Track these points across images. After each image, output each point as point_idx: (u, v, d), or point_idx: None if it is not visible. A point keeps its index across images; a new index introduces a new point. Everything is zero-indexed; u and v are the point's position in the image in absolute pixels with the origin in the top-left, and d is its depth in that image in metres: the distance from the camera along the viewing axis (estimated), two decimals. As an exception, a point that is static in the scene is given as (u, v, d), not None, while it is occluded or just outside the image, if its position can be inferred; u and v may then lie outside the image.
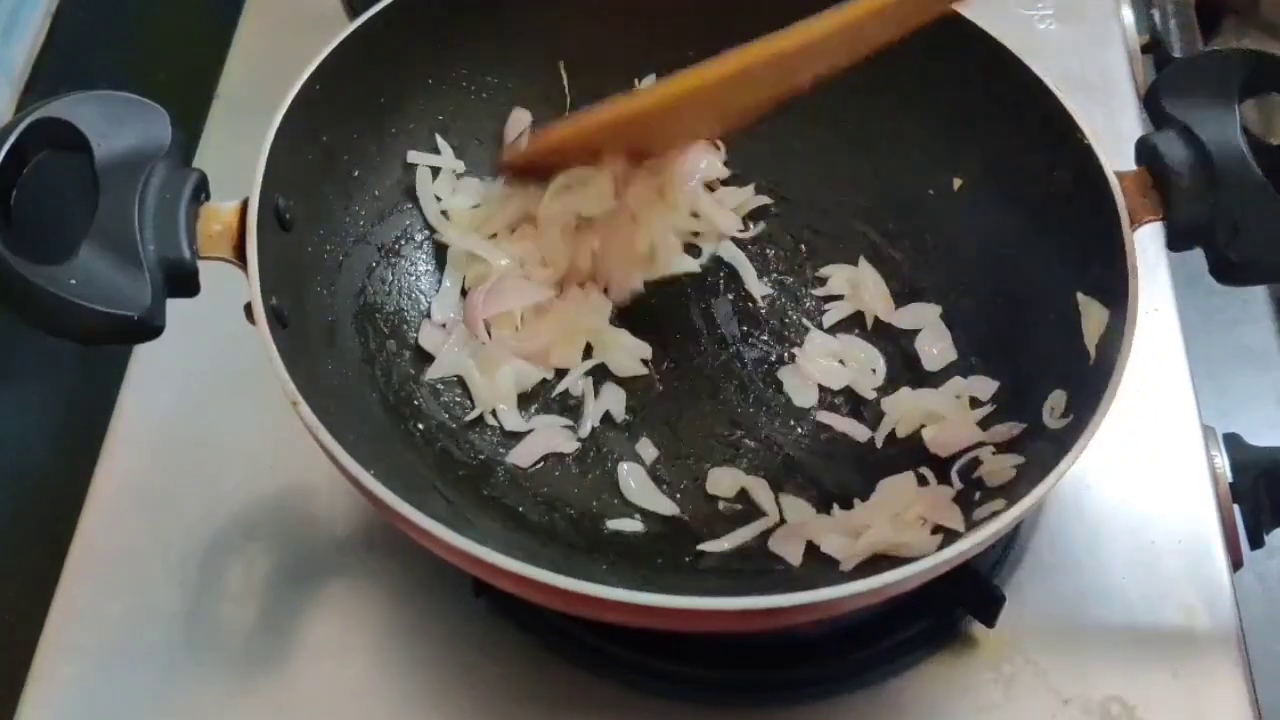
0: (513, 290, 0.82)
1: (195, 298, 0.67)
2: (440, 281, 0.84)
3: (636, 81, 0.89)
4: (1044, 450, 0.68)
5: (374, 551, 0.78)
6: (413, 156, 0.85)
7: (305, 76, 0.73)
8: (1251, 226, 0.68)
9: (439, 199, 0.85)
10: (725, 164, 0.90)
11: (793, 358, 0.83)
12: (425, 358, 0.81)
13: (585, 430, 0.80)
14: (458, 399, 0.81)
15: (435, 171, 0.86)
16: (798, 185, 0.89)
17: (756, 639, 0.74)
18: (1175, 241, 0.71)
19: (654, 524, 0.76)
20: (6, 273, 0.61)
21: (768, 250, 0.88)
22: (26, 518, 0.88)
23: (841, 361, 0.83)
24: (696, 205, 0.87)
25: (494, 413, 0.80)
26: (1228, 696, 0.73)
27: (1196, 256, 0.70)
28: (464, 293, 0.84)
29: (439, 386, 0.80)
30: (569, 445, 0.79)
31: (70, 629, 0.76)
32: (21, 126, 0.64)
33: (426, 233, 0.85)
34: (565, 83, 0.89)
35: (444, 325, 0.82)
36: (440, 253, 0.85)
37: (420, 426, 0.77)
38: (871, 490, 0.75)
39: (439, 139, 0.86)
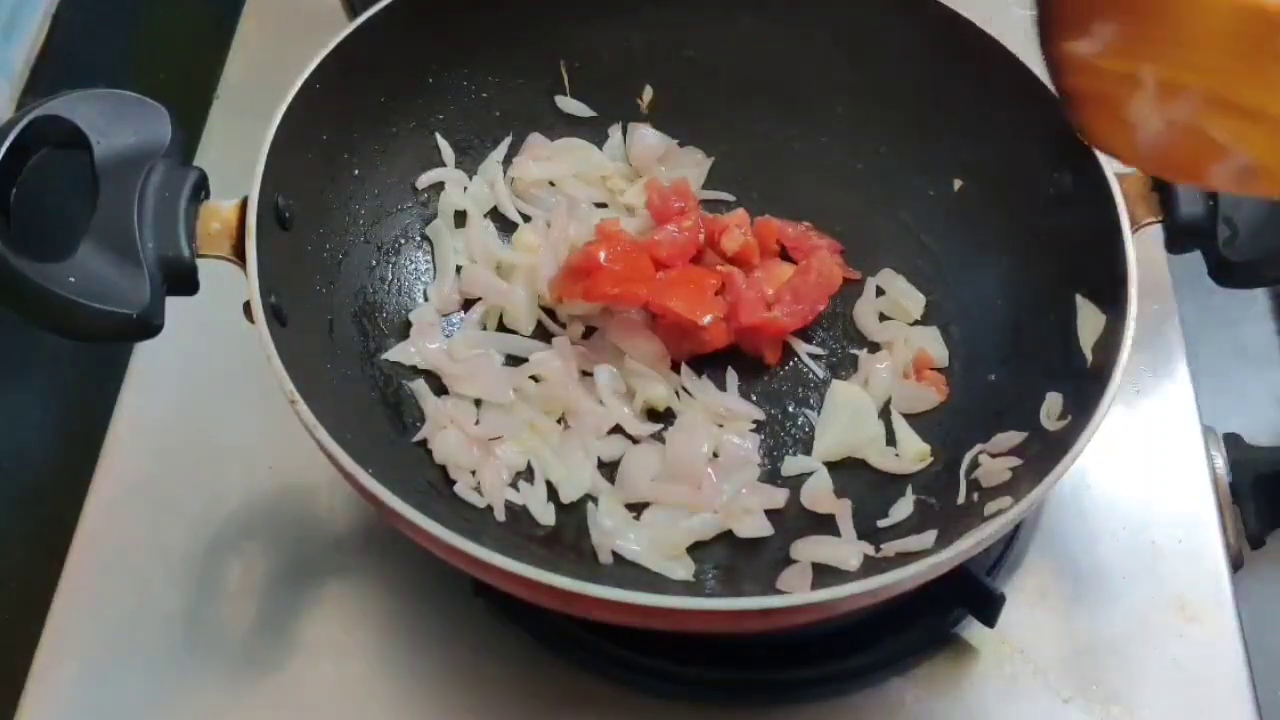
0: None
1: (195, 297, 0.67)
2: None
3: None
4: (1042, 452, 0.68)
5: (374, 551, 0.78)
6: (423, 180, 0.85)
7: (305, 76, 0.73)
8: (1250, 229, 0.68)
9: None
10: (713, 168, 0.90)
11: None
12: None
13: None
14: (457, 399, 0.80)
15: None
16: (794, 187, 0.89)
17: (757, 639, 0.74)
18: (1174, 243, 0.71)
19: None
20: (6, 270, 0.61)
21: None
22: (26, 518, 0.88)
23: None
24: None
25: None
26: (1228, 696, 0.73)
27: (1197, 256, 0.70)
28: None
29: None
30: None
31: (70, 629, 0.76)
32: (22, 124, 0.64)
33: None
34: (566, 83, 0.89)
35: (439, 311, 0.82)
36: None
37: (420, 425, 0.77)
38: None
39: (439, 138, 0.86)
